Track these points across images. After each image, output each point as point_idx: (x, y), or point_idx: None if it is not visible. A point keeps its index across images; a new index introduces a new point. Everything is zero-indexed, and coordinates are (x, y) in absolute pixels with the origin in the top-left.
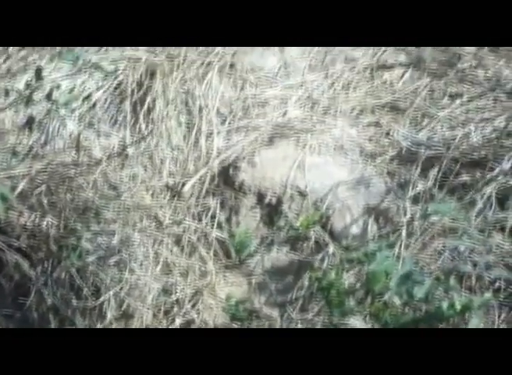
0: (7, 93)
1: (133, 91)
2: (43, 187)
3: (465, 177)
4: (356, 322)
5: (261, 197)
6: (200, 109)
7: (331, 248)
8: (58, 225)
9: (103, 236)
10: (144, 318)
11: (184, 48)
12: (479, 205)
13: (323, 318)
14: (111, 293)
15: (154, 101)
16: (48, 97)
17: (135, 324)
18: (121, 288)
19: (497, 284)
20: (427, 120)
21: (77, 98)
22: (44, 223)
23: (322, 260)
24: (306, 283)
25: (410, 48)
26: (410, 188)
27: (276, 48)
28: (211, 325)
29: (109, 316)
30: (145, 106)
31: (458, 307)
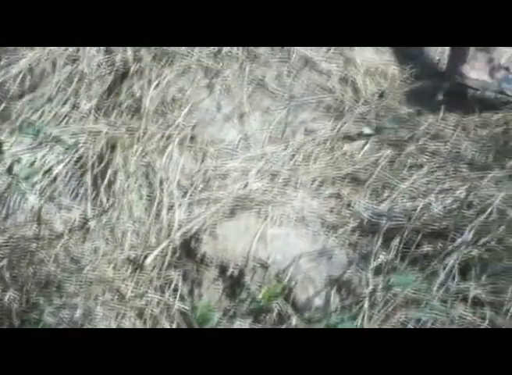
0: None
1: (93, 164)
2: (4, 262)
3: (427, 248)
4: None
5: (223, 269)
6: (161, 182)
7: (294, 320)
8: (20, 299)
9: (65, 310)
10: None
11: (144, 121)
12: (441, 275)
13: None
14: None
15: (114, 174)
16: (9, 171)
17: None
18: None
19: None
20: (388, 191)
21: (38, 172)
22: (6, 297)
23: None
24: None
25: (370, 119)
26: (372, 259)
27: (236, 120)
28: None
29: None
30: (106, 179)
31: None
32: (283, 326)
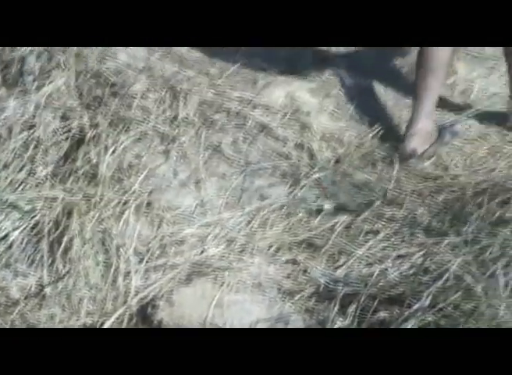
0: None
1: (50, 230)
2: None
3: (383, 314)
4: None
5: None
6: (118, 248)
7: None
8: None
9: None
10: None
11: (100, 187)
12: None
13: None
14: None
15: (71, 240)
16: None
17: None
18: None
19: None
20: (344, 257)
21: None
22: None
23: None
24: None
25: (326, 185)
26: (329, 326)
27: (192, 186)
28: None
29: None
30: (62, 246)
31: None
32: None
